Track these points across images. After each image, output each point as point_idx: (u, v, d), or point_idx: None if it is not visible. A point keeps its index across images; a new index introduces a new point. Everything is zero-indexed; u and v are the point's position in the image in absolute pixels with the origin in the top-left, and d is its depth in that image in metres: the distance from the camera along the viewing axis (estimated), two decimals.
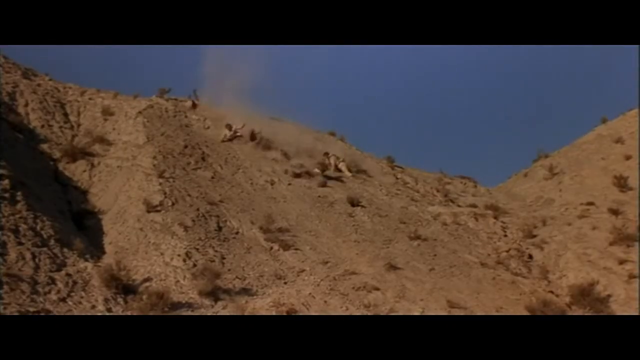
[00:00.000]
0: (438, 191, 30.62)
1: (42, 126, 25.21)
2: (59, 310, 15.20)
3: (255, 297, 18.19)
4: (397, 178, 31.33)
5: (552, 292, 21.60)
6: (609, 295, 21.14)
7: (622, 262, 22.68)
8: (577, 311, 20.43)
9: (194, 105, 31.69)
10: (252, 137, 29.10)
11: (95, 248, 18.92)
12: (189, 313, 16.69)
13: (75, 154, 23.62)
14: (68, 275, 16.71)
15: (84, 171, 23.05)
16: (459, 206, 28.95)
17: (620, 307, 20.64)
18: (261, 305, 17.42)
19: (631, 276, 21.83)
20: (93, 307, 15.94)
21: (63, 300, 15.71)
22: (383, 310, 18.32)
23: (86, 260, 17.66)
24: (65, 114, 26.93)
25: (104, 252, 18.88)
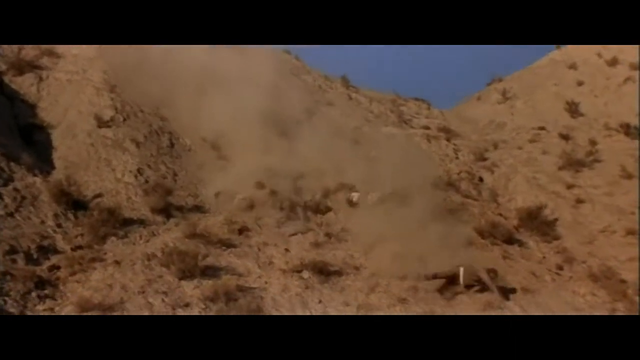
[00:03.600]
0: (392, 112, 30.57)
1: None
2: (7, 225, 14.99)
3: (207, 214, 18.18)
4: (350, 98, 31.13)
5: (501, 214, 21.98)
6: (555, 219, 21.64)
7: (570, 186, 23.16)
8: (524, 234, 20.86)
9: None
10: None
11: (44, 163, 18.49)
12: (141, 229, 16.64)
13: (23, 67, 22.82)
14: (16, 190, 16.38)
15: (32, 85, 22.33)
16: (412, 128, 29.01)
17: (566, 230, 21.17)
18: (213, 223, 17.45)
19: (578, 201, 22.32)
20: (42, 222, 15.76)
21: (11, 215, 15.47)
22: (335, 230, 18.54)
23: (35, 175, 17.30)
24: None
25: (53, 168, 18.47)
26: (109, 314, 13.18)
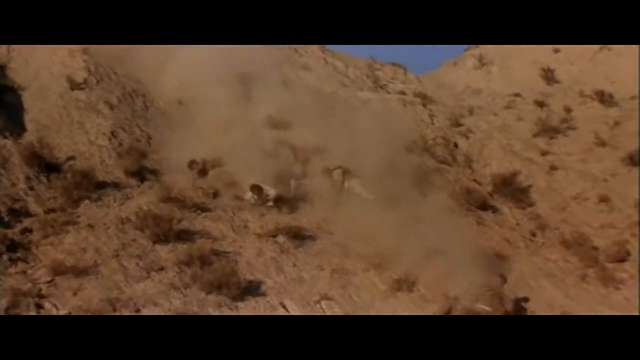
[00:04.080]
0: (368, 77, 30.37)
1: None
2: None
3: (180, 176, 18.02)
4: (327, 62, 30.83)
5: (475, 180, 22.07)
6: (529, 186, 21.76)
7: (544, 153, 23.23)
8: (498, 200, 21.00)
9: None
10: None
11: (15, 125, 18.12)
12: (115, 193, 16.51)
13: None
14: None
15: (2, 45, 21.89)
16: (388, 93, 28.87)
17: (540, 196, 21.30)
18: (187, 186, 17.37)
19: (552, 167, 22.42)
20: (13, 185, 15.54)
21: None
22: (310, 195, 18.56)
23: (5, 137, 17.00)
24: None
25: (24, 130, 18.11)
26: (82, 277, 13.13)
